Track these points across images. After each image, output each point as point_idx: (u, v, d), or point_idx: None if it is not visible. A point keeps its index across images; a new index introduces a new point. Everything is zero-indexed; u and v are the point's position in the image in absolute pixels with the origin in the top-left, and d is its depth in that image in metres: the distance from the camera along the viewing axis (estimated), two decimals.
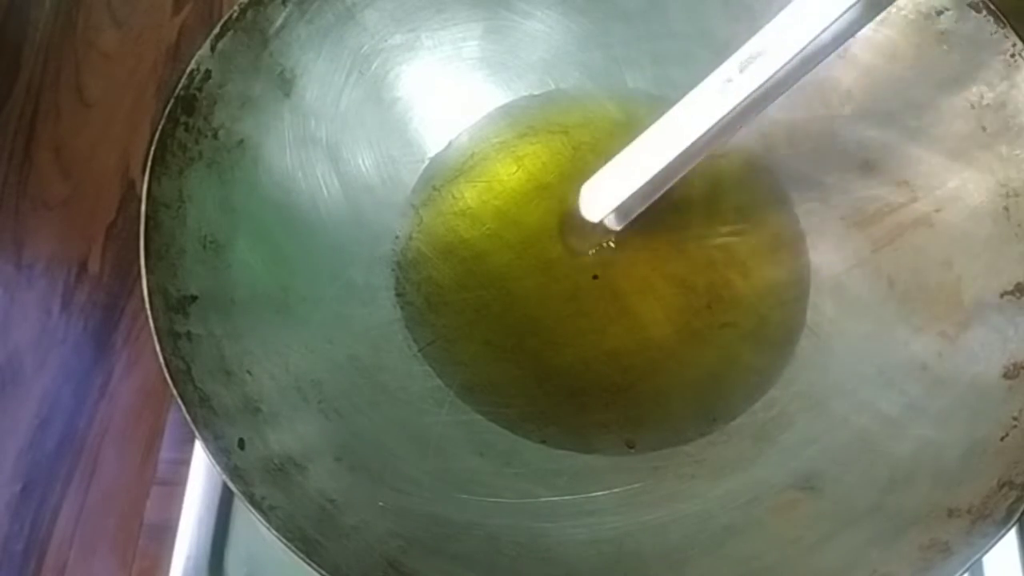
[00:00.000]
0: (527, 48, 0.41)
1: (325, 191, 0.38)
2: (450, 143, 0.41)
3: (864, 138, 0.38)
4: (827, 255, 0.38)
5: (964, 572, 0.29)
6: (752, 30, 0.32)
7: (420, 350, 0.37)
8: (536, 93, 0.41)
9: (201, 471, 0.39)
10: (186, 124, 0.33)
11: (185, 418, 0.29)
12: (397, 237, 0.39)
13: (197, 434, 0.29)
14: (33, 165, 0.49)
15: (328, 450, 0.33)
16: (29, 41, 0.53)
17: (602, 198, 0.36)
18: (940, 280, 0.36)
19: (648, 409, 0.37)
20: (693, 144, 0.34)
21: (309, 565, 0.28)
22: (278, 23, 0.36)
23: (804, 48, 0.32)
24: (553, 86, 0.42)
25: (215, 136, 0.34)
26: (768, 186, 0.40)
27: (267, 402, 0.32)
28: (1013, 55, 0.34)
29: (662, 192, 0.37)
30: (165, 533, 0.39)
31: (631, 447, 0.36)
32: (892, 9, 0.36)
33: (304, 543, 0.29)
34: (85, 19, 0.53)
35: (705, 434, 0.36)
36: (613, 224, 0.38)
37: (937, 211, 0.36)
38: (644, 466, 0.35)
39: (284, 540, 0.28)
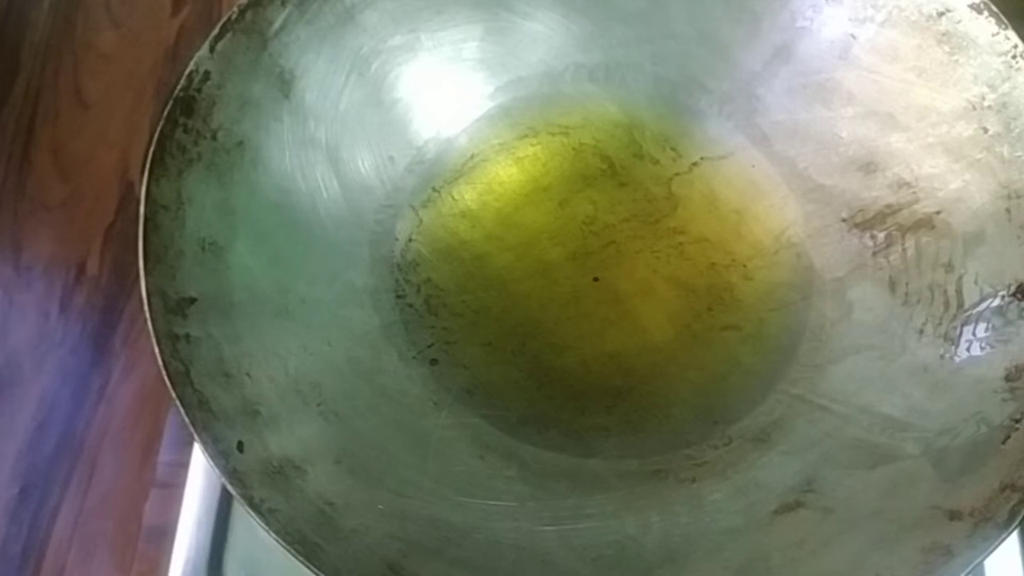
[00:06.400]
0: (527, 49, 0.41)
1: (324, 193, 0.38)
2: (450, 144, 0.41)
3: (866, 140, 0.38)
4: (828, 257, 0.38)
5: (966, 575, 0.29)
6: (753, 31, 0.32)
7: (420, 352, 0.37)
8: (536, 94, 0.41)
9: (200, 474, 0.38)
10: (185, 126, 0.33)
11: (184, 420, 0.29)
12: (397, 239, 0.39)
13: (196, 437, 0.29)
14: (32, 167, 0.49)
15: (327, 453, 0.33)
16: (28, 42, 0.53)
17: None
18: (941, 282, 0.36)
19: (649, 412, 0.36)
20: None
21: (308, 568, 0.28)
22: (277, 24, 0.36)
23: None
24: (553, 87, 0.41)
25: (214, 138, 0.34)
26: (769, 188, 0.40)
27: (266, 404, 0.32)
28: (1014, 56, 0.34)
29: None
30: (164, 536, 0.39)
31: (631, 450, 0.36)
32: (894, 10, 0.36)
33: (303, 546, 0.29)
34: (84, 20, 0.53)
35: (706, 437, 0.36)
36: None
37: (938, 213, 0.36)
38: (645, 469, 0.35)
39: (283, 543, 0.28)
